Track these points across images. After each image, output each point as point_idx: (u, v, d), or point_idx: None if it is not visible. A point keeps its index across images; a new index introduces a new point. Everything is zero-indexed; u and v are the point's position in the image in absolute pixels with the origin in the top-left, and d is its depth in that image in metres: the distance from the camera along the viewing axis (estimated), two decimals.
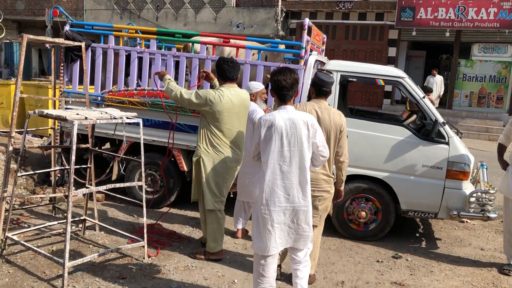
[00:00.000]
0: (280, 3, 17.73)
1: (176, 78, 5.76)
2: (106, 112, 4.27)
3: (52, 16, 6.36)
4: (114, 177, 6.23)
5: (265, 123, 3.21)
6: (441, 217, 5.28)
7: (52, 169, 5.26)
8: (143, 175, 4.60)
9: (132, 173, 6.14)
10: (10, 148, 4.27)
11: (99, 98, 6.02)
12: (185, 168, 5.95)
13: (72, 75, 6.13)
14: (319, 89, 3.90)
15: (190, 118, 5.80)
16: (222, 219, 4.56)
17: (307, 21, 5.46)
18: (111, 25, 6.24)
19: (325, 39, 7.14)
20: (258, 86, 5.04)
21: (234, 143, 4.48)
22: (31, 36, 4.33)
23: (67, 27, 6.00)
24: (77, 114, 4.00)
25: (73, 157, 3.77)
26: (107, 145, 7.00)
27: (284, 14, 17.99)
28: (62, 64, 6.04)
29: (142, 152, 4.51)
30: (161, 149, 5.93)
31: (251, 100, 4.85)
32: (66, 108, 6.07)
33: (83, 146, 4.92)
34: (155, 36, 5.88)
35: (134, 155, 6.09)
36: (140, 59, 5.97)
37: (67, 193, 4.11)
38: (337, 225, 5.57)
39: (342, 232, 5.57)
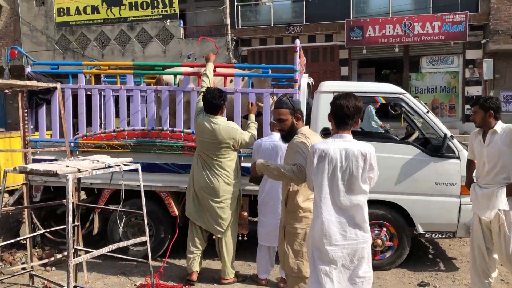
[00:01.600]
0: (229, 31, 17.55)
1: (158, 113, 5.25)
2: (98, 160, 3.67)
3: (10, 58, 5.64)
4: (95, 230, 5.53)
5: (318, 152, 2.84)
6: (460, 235, 5.02)
7: (43, 231, 4.52)
8: (147, 228, 4.00)
9: (116, 224, 5.46)
10: None
11: (72, 144, 5.35)
12: (177, 213, 5.37)
13: (38, 121, 5.44)
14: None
15: (179, 156, 5.27)
16: None
17: (298, 43, 5.17)
18: (80, 62, 5.63)
19: (305, 61, 6.87)
20: None
21: None
22: (0, 81, 3.69)
23: (28, 69, 5.34)
24: (67, 166, 3.39)
25: (70, 218, 3.15)
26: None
27: (234, 42, 17.82)
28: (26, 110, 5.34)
29: (143, 201, 3.94)
30: (148, 194, 5.32)
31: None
32: (33, 160, 5.36)
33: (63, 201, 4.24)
34: (132, 71, 5.33)
35: (116, 204, 5.46)
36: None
37: (65, 259, 3.45)
38: None
39: None
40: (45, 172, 3.24)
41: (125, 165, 3.66)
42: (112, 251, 4.09)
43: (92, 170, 3.36)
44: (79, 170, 3.32)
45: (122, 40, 18.23)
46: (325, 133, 5.06)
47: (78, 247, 4.24)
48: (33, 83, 4.33)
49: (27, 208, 4.55)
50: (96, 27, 18.40)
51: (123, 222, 5.40)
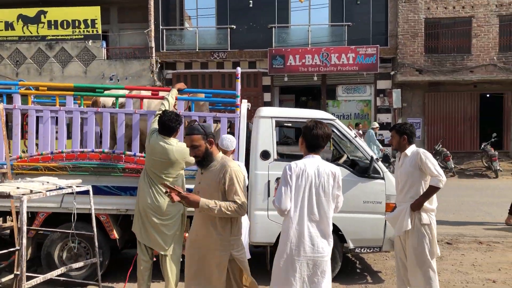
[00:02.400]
0: (154, 54, 17.55)
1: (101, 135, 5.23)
2: (48, 182, 3.64)
3: None
4: (28, 256, 5.29)
5: (297, 170, 3.17)
6: (385, 249, 5.50)
7: (14, 249, 4.26)
8: (97, 249, 3.98)
9: (52, 248, 5.29)
10: None
11: (5, 166, 5.14)
12: (116, 236, 5.33)
13: None
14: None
15: (119, 179, 5.26)
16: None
17: (239, 70, 5.46)
18: (16, 82, 5.46)
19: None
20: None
21: None
22: None
23: None
24: (18, 188, 3.34)
25: (24, 240, 3.11)
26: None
27: (159, 65, 17.84)
28: None
29: (94, 224, 3.93)
30: (85, 217, 5.22)
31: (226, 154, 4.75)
32: None
33: (6, 225, 4.11)
34: (72, 93, 5.28)
35: (48, 227, 5.30)
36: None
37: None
38: None
39: None
40: None
41: (77, 186, 3.66)
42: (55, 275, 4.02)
43: (46, 191, 3.34)
44: (31, 192, 3.28)
45: (40, 59, 17.48)
46: (265, 156, 5.36)
47: (17, 272, 4.09)
48: None
49: None
50: (10, 44, 17.49)
51: (58, 246, 5.26)
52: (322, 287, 3.15)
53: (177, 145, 4.63)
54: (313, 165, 3.21)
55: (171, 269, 4.81)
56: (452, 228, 8.10)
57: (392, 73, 17.36)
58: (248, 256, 4.96)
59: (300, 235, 3.14)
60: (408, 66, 17.00)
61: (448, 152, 15.56)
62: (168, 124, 4.56)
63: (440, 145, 15.91)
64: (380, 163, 5.54)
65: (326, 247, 3.19)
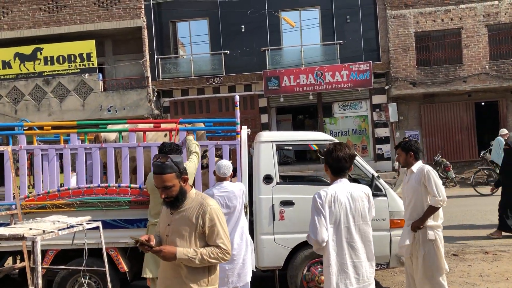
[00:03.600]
0: (150, 83, 17.76)
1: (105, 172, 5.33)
2: (58, 221, 3.72)
3: None
4: None
5: (328, 198, 2.99)
6: (393, 266, 5.56)
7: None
8: (109, 284, 4.03)
9: (62, 285, 5.33)
10: None
11: (14, 206, 5.22)
12: (126, 269, 5.38)
13: None
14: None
15: (126, 212, 5.34)
16: None
17: (237, 98, 5.58)
18: (21, 123, 5.58)
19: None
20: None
21: None
22: None
23: None
24: (30, 229, 3.42)
25: (40, 281, 3.17)
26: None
27: (156, 94, 18.04)
28: None
29: (105, 259, 3.99)
30: (93, 251, 5.28)
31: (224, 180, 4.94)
32: None
33: (19, 265, 4.17)
34: (75, 130, 5.40)
35: (57, 265, 5.35)
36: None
37: None
38: None
39: None
40: (11, 236, 3.25)
41: (87, 223, 3.74)
42: None
43: (58, 230, 3.42)
44: (44, 232, 3.36)
45: (37, 95, 17.69)
46: (267, 180, 5.45)
47: None
48: None
49: None
50: (8, 83, 17.73)
51: (69, 283, 5.31)
52: None
53: None
54: (344, 190, 3.05)
55: None
56: (458, 239, 8.14)
57: (386, 87, 17.57)
58: (249, 279, 5.03)
59: (342, 266, 2.99)
60: (401, 80, 17.22)
61: (448, 162, 15.65)
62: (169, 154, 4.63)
63: (440, 156, 16.02)
64: (381, 180, 5.63)
65: (370, 273, 3.06)
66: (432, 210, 4.39)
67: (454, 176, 15.65)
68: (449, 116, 17.87)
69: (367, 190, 3.19)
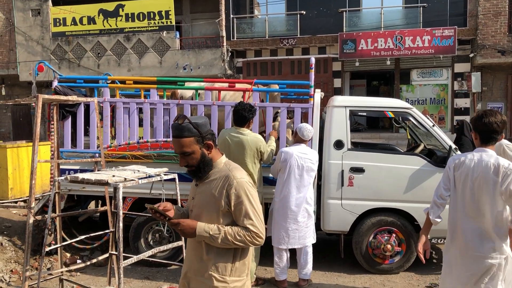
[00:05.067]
0: (225, 43, 17.90)
1: None
2: (139, 170, 3.95)
3: (38, 72, 5.88)
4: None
5: (455, 163, 3.12)
6: None
7: (108, 231, 4.72)
8: None
9: (138, 231, 5.71)
10: (31, 221, 3.80)
11: (97, 155, 5.60)
12: None
13: (64, 133, 5.68)
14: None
15: None
16: None
17: (313, 60, 5.51)
18: (105, 77, 5.90)
19: None
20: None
21: None
22: (46, 96, 3.96)
23: (55, 83, 5.59)
24: (113, 176, 3.66)
25: (121, 224, 3.42)
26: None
27: (230, 54, 18.18)
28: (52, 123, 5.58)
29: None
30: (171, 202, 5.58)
31: (303, 142, 5.00)
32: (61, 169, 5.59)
33: (102, 209, 4.51)
34: (155, 86, 5.62)
35: (135, 211, 5.71)
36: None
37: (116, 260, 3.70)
38: (362, 262, 5.50)
39: (368, 268, 5.50)
40: (97, 181, 3.51)
41: (164, 174, 3.94)
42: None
43: (138, 179, 3.64)
44: (125, 180, 3.59)
45: (118, 50, 18.45)
46: (338, 145, 5.40)
47: (112, 252, 4.48)
48: (73, 97, 4.59)
49: (59, 216, 4.76)
50: (92, 38, 18.60)
51: (144, 229, 5.67)
52: None
53: (250, 135, 4.78)
54: (475, 157, 3.03)
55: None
56: None
57: (471, 55, 16.47)
58: (313, 240, 5.11)
59: (465, 232, 3.05)
60: (489, 48, 16.03)
61: None
62: (241, 113, 4.71)
63: None
64: (458, 152, 5.38)
65: (489, 248, 2.98)
66: None
67: None
68: None
69: (503, 162, 2.98)
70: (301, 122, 5.46)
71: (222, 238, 2.30)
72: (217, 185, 2.37)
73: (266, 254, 5.48)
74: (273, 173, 5.20)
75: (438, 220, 3.25)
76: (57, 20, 18.93)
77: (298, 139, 5.04)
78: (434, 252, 6.40)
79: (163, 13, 18.09)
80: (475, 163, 3.00)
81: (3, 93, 19.81)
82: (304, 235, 5.02)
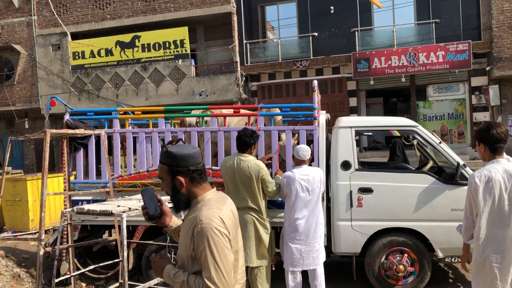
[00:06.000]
0: (239, 68, 18.16)
1: None
2: None
3: (50, 107, 6.09)
4: (130, 266, 5.83)
5: (483, 179, 3.11)
6: None
7: (117, 260, 4.82)
8: None
9: (149, 258, 5.76)
10: (41, 253, 3.90)
11: (108, 185, 5.72)
12: None
13: (76, 164, 5.84)
14: None
15: None
16: None
17: (315, 83, 5.57)
18: (114, 109, 6.08)
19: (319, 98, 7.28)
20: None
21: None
22: (54, 131, 4.11)
23: (67, 116, 5.78)
24: (118, 206, 3.75)
25: (125, 252, 3.48)
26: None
27: (244, 78, 18.41)
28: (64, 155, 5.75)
29: None
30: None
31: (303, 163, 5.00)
32: (72, 201, 5.73)
33: (111, 238, 4.59)
34: (163, 115, 5.76)
35: (149, 239, 5.78)
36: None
37: None
38: (375, 283, 5.43)
39: None
40: (101, 212, 3.60)
41: (168, 202, 4.00)
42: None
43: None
44: (130, 209, 3.67)
45: (136, 80, 18.89)
46: (345, 166, 5.40)
47: (121, 281, 4.54)
48: (81, 131, 4.75)
49: (72, 247, 4.87)
50: (110, 69, 19.12)
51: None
52: None
53: (251, 161, 4.77)
54: (500, 169, 3.09)
55: (261, 282, 4.98)
56: None
57: (487, 68, 16.29)
58: (324, 258, 5.08)
59: (497, 240, 3.11)
60: (506, 60, 15.85)
61: None
62: (243, 139, 4.73)
63: None
64: (467, 169, 5.32)
65: None
66: None
67: None
68: None
69: None
70: (307, 144, 5.49)
71: (180, 282, 2.08)
72: (188, 226, 2.12)
73: (278, 278, 5.45)
74: (282, 197, 5.22)
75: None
76: (76, 53, 19.56)
77: (297, 161, 5.07)
78: (451, 271, 6.27)
79: (178, 42, 18.52)
80: (504, 174, 3.07)
81: (27, 126, 20.41)
82: (317, 256, 5.02)
